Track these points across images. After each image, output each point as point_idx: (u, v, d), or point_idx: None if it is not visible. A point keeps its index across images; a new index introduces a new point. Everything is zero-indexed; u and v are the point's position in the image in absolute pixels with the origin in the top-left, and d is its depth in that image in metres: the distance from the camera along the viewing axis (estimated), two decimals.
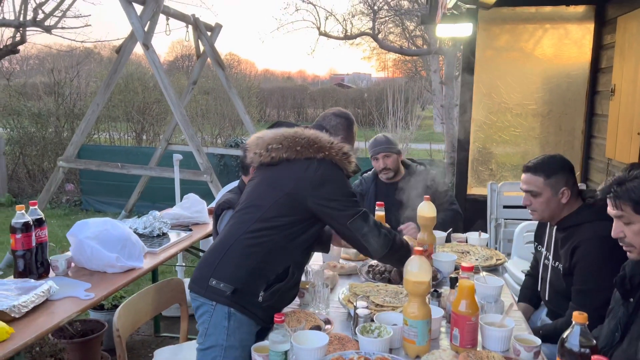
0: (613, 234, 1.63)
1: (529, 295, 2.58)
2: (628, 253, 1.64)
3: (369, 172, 3.38)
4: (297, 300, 2.26)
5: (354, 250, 2.79)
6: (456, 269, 2.53)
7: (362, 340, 1.75)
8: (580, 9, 4.01)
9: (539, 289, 2.46)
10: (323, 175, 1.92)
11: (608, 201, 1.62)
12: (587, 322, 1.26)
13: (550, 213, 2.29)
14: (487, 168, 4.26)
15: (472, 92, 4.11)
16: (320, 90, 24.41)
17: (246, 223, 2.00)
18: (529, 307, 2.55)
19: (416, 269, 1.75)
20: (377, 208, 2.83)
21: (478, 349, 1.79)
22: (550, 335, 2.12)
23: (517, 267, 3.28)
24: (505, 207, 3.93)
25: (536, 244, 2.54)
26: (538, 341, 1.74)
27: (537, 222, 2.59)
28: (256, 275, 1.94)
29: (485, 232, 3.93)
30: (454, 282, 2.04)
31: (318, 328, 1.93)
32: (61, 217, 7.29)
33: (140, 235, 2.96)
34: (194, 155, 4.83)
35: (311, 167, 1.93)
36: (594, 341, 1.25)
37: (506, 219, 3.89)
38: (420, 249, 1.79)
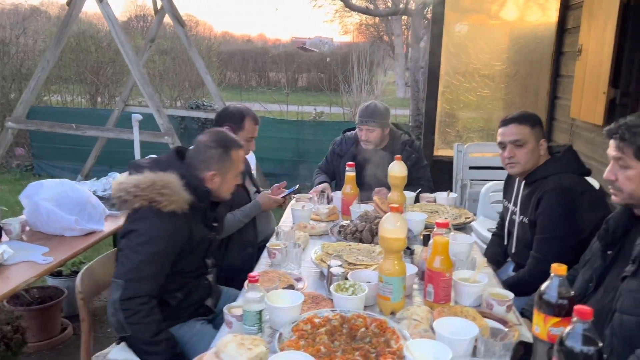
0: (606, 175, 1.62)
1: (493, 254, 2.62)
2: (613, 197, 1.64)
3: (352, 132, 3.26)
4: (268, 260, 2.21)
5: (325, 211, 2.75)
6: (426, 227, 2.54)
7: (337, 298, 1.72)
8: None
9: (505, 243, 2.50)
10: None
11: (611, 142, 1.60)
12: (566, 274, 1.26)
13: (532, 164, 2.29)
14: (454, 129, 4.27)
15: (440, 52, 4.07)
16: (282, 54, 23.82)
17: None
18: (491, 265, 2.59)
19: (392, 226, 1.72)
20: (347, 169, 2.79)
21: (451, 304, 1.80)
22: (514, 287, 2.18)
23: (483, 226, 3.33)
24: (471, 168, 3.97)
25: (504, 200, 2.56)
26: (511, 295, 1.76)
27: (503, 181, 2.62)
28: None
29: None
30: (427, 239, 2.03)
31: (291, 287, 1.89)
32: (12, 183, 6.92)
33: (100, 198, 2.81)
34: (153, 117, 4.63)
35: None
36: (572, 292, 1.25)
37: (472, 180, 3.93)
38: (396, 206, 1.75)
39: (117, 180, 1.90)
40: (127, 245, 1.83)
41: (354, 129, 3.28)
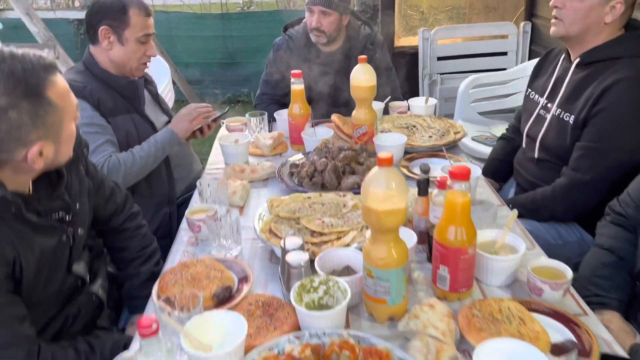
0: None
1: (497, 167, 2.04)
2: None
3: (298, 27, 2.38)
4: (191, 235, 1.48)
5: (268, 142, 2.00)
6: (407, 152, 1.87)
7: (303, 316, 1.06)
8: None
9: (523, 144, 1.90)
10: None
11: None
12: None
13: (579, 30, 1.66)
14: (418, 11, 3.45)
15: None
16: None
17: None
18: (493, 183, 1.99)
19: (383, 188, 1.02)
20: (292, 80, 1.98)
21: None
22: (527, 207, 1.67)
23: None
24: (439, 59, 3.24)
25: (529, 91, 1.90)
26: (569, 272, 1.15)
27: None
28: None
29: (417, 91, 3.28)
30: (424, 186, 1.34)
31: (228, 290, 1.21)
32: None
33: None
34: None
35: None
36: None
37: (442, 74, 3.22)
38: (388, 156, 1.02)
39: None
40: None
41: (298, 22, 2.41)
